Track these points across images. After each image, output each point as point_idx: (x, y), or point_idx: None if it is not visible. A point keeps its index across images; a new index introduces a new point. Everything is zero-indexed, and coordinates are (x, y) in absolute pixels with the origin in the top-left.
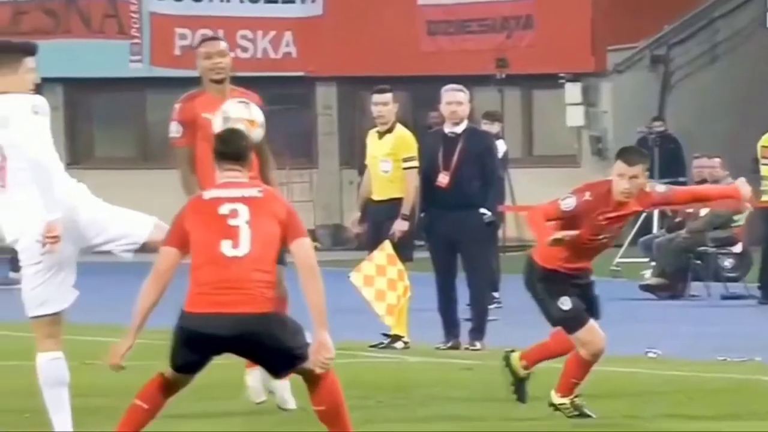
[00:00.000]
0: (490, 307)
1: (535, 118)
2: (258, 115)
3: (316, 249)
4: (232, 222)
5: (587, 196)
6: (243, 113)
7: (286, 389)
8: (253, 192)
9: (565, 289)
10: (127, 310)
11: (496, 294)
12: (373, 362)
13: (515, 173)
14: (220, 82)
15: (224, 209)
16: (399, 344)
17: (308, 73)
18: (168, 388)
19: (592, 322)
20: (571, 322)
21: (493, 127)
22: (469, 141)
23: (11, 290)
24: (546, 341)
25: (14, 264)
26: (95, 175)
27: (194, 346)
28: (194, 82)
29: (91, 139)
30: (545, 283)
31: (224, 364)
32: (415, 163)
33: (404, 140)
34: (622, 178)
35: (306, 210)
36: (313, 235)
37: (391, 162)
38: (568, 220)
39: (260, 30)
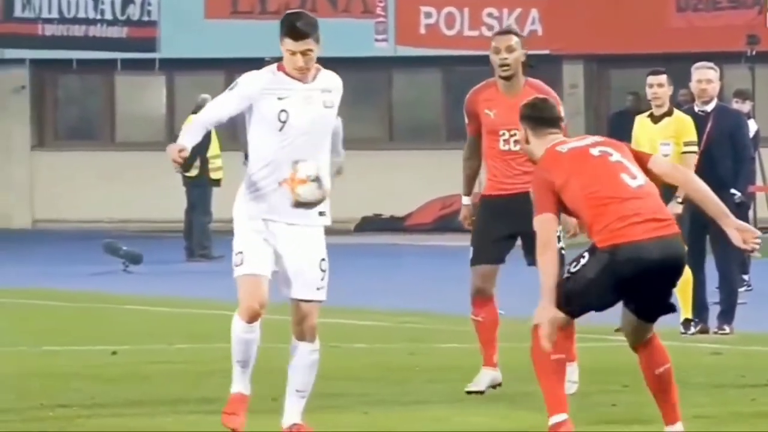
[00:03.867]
0: (740, 290)
1: None
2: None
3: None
4: (612, 159)
5: None
6: (316, 194)
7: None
8: (598, 138)
9: None
10: (372, 292)
11: (745, 276)
12: (616, 346)
13: (767, 153)
14: (507, 79)
15: (594, 152)
16: (692, 328)
17: (554, 51)
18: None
19: None
20: None
21: (744, 106)
22: (719, 119)
23: None
24: None
25: None
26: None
27: (623, 282)
28: (439, 61)
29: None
30: None
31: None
32: (695, 148)
33: (685, 123)
34: None
35: None
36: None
37: (671, 146)
38: None
39: (506, 8)
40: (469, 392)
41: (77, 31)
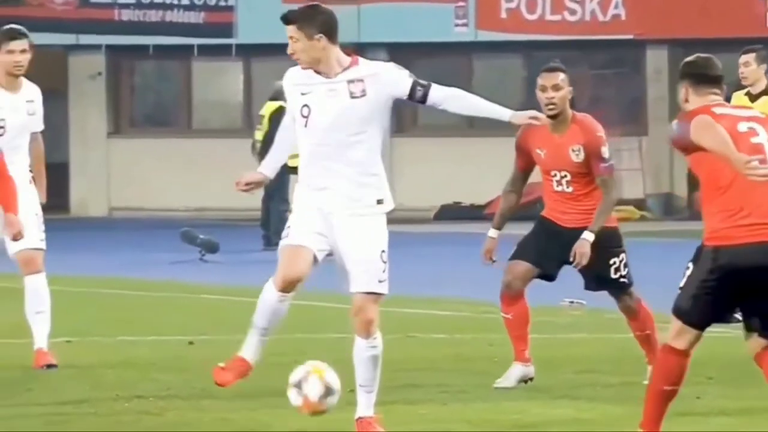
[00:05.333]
0: None
1: None
2: (312, 391)
3: (645, 219)
4: (754, 140)
5: None
6: (295, 401)
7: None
8: (755, 112)
9: None
10: (451, 281)
11: None
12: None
13: None
14: (553, 117)
15: (742, 127)
16: None
17: (637, 35)
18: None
19: None
20: None
21: None
22: None
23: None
24: None
25: None
26: (418, 143)
27: (731, 285)
28: (520, 46)
29: (415, 107)
30: None
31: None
32: None
33: None
34: None
35: (635, 178)
36: (643, 204)
37: None
38: None
39: None
40: (497, 388)
41: (154, 16)
